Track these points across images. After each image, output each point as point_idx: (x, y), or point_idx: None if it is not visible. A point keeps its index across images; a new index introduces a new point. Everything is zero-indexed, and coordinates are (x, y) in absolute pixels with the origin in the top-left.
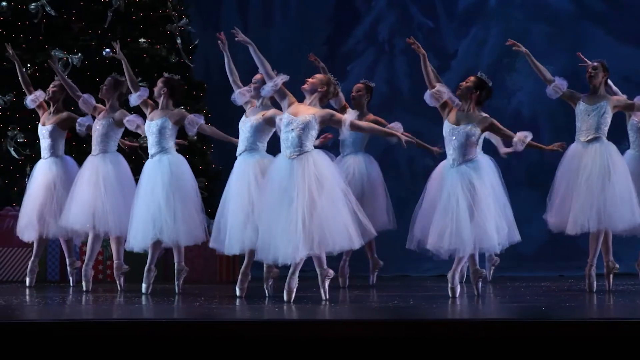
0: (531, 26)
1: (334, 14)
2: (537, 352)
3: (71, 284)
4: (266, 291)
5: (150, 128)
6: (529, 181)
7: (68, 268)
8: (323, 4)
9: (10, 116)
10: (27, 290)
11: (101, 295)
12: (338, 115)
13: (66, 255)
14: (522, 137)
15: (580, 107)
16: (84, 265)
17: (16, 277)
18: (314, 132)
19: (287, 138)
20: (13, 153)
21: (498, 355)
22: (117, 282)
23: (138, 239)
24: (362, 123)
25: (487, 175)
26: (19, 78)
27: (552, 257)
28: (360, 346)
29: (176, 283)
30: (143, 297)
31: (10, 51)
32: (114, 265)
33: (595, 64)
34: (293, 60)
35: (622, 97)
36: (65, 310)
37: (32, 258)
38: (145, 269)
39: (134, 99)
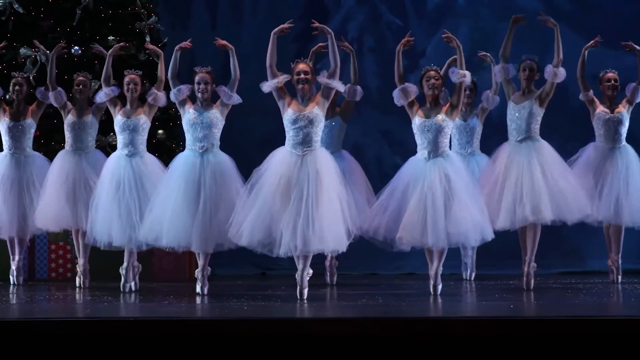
0: (499, 25)
1: (303, 12)
2: (505, 350)
3: (18, 283)
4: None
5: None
6: None
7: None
8: (292, 2)
9: None
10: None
11: (69, 294)
12: (325, 89)
13: (19, 253)
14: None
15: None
16: (83, 263)
17: None
18: (321, 126)
19: (297, 134)
20: None
21: (465, 352)
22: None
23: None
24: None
25: (462, 169)
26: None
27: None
28: (329, 343)
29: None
30: (110, 296)
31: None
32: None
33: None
34: (262, 57)
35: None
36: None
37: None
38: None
39: (101, 96)
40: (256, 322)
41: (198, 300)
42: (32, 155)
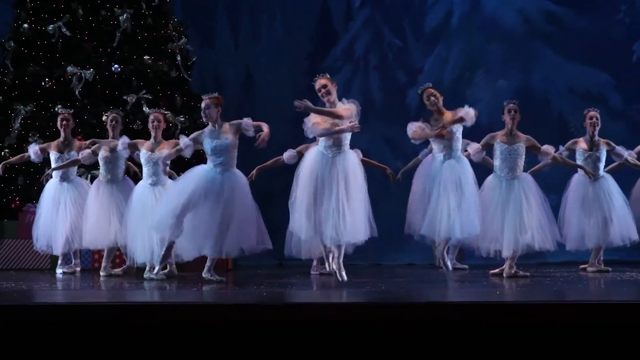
0: (488, 45)
1: (315, 34)
2: (491, 331)
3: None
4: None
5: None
6: None
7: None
8: (305, 25)
9: (31, 124)
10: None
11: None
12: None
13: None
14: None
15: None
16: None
17: (36, 265)
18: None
19: (329, 139)
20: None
21: (464, 336)
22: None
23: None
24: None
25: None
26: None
27: None
28: (337, 325)
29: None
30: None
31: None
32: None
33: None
34: (278, 74)
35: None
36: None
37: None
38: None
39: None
40: (274, 307)
41: (223, 287)
42: (76, 181)
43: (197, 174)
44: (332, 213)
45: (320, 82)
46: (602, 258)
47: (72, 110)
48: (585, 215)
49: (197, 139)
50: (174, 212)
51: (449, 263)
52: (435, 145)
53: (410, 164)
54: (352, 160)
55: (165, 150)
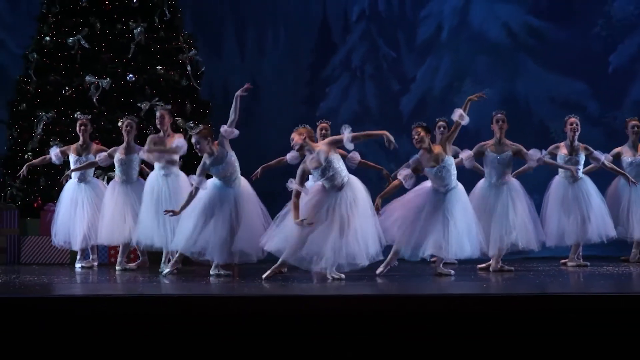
0: (475, 57)
1: (315, 46)
2: (476, 320)
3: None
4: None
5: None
6: None
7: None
8: (307, 38)
9: (52, 129)
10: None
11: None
12: (336, 137)
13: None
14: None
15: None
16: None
17: (57, 260)
18: (336, 163)
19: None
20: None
21: (454, 325)
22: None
23: None
24: (356, 134)
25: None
26: None
27: None
28: (333, 313)
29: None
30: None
31: None
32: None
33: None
34: (282, 83)
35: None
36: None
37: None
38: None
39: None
40: (277, 298)
41: (230, 280)
42: (93, 182)
43: (210, 195)
44: (341, 244)
45: (291, 136)
46: (581, 253)
47: (90, 117)
48: (564, 214)
49: (205, 171)
50: (196, 230)
51: (446, 271)
52: (432, 183)
53: (390, 188)
54: (353, 192)
55: (176, 142)
